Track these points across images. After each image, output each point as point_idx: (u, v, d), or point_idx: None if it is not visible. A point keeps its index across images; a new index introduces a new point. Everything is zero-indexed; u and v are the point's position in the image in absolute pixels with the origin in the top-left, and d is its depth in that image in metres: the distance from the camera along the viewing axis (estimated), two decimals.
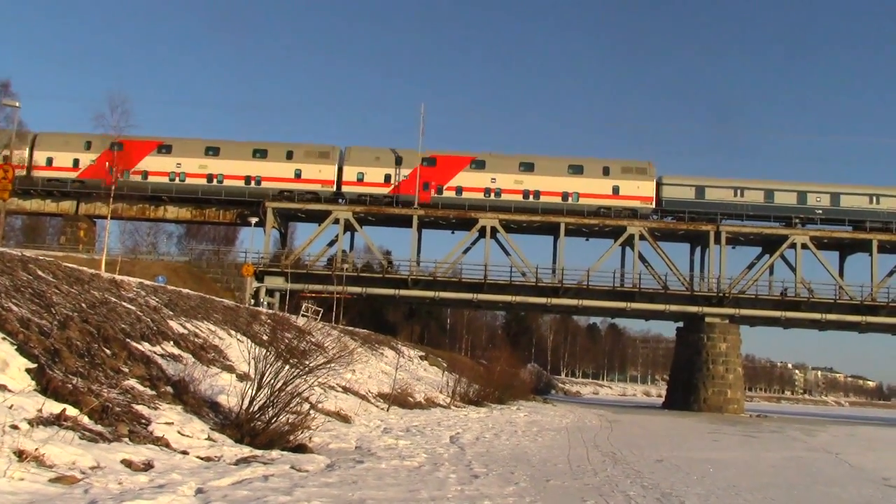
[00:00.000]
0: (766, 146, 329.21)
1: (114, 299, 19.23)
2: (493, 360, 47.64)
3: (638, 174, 59.72)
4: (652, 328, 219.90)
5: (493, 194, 59.30)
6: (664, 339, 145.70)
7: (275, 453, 12.85)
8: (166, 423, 12.32)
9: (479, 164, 60.13)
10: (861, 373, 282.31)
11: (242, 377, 17.34)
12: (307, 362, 15.70)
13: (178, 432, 12.31)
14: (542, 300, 60.01)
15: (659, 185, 59.79)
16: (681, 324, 62.52)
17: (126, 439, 10.72)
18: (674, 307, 59.13)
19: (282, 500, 9.01)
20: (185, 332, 20.27)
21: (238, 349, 20.24)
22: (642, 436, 27.80)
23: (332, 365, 16.50)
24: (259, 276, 56.88)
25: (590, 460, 17.49)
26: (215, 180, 59.14)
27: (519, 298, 60.12)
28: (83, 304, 16.71)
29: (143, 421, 12.01)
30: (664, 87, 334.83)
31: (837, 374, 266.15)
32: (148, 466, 9.94)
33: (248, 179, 59.42)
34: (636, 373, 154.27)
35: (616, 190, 59.20)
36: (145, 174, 57.69)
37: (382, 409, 25.74)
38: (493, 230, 59.12)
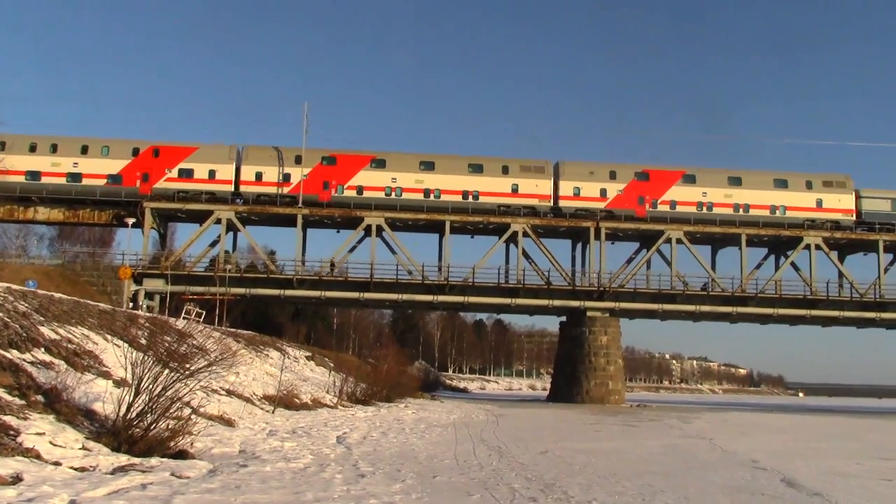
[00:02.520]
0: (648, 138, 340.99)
1: None
2: (381, 359, 47.57)
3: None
4: (536, 323, 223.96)
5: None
6: (548, 334, 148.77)
7: (154, 461, 12.48)
8: (37, 434, 11.80)
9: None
10: (733, 361, 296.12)
11: (119, 383, 16.77)
12: (188, 366, 15.31)
13: (50, 442, 11.81)
14: (429, 298, 60.31)
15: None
16: (564, 318, 63.91)
17: None
18: (557, 302, 60.42)
19: None
20: (58, 337, 19.41)
21: (115, 354, 19.52)
22: (527, 429, 28.30)
23: (214, 368, 16.16)
24: (137, 279, 55.02)
25: (476, 455, 17.70)
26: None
27: (406, 296, 60.22)
28: None
29: (12, 432, 11.47)
30: (563, 83, 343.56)
31: (711, 363, 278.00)
32: (17, 479, 9.51)
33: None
34: (522, 367, 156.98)
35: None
36: None
37: (268, 411, 25.35)
38: (379, 229, 59.04)
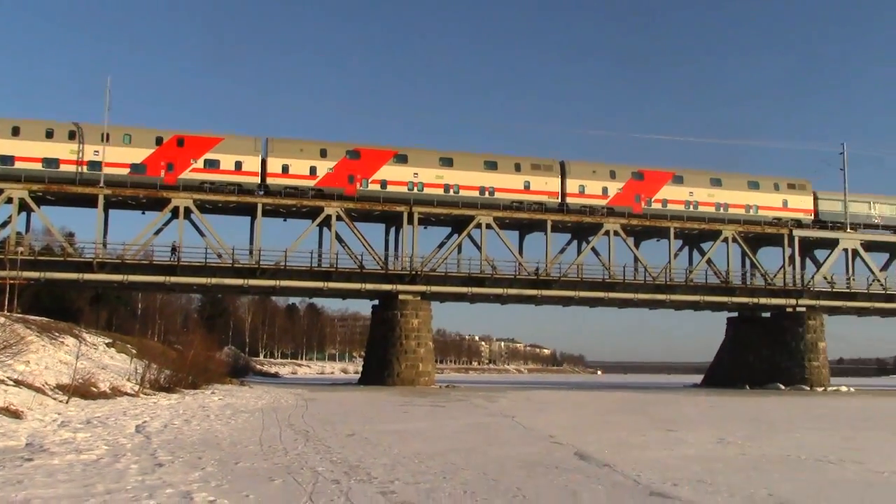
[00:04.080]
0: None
1: None
2: (187, 345, 45.96)
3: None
4: (350, 307, 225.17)
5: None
6: (362, 318, 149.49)
7: None
8: None
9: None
10: (538, 342, 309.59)
11: None
12: None
13: None
14: (240, 282, 58.90)
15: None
16: (376, 302, 64.27)
17: None
18: (369, 286, 60.67)
19: None
20: None
21: None
22: (337, 412, 28.32)
23: None
24: None
25: (282, 440, 17.54)
26: None
27: (215, 280, 58.47)
28: None
29: None
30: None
31: (518, 344, 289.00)
32: None
33: None
34: (335, 351, 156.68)
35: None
36: None
37: (61, 401, 23.93)
38: (188, 210, 57.01)
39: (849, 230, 68.86)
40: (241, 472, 12.33)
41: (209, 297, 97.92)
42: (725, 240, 66.53)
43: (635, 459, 15.01)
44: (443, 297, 64.90)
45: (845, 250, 69.08)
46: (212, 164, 57.74)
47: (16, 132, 55.07)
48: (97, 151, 55.90)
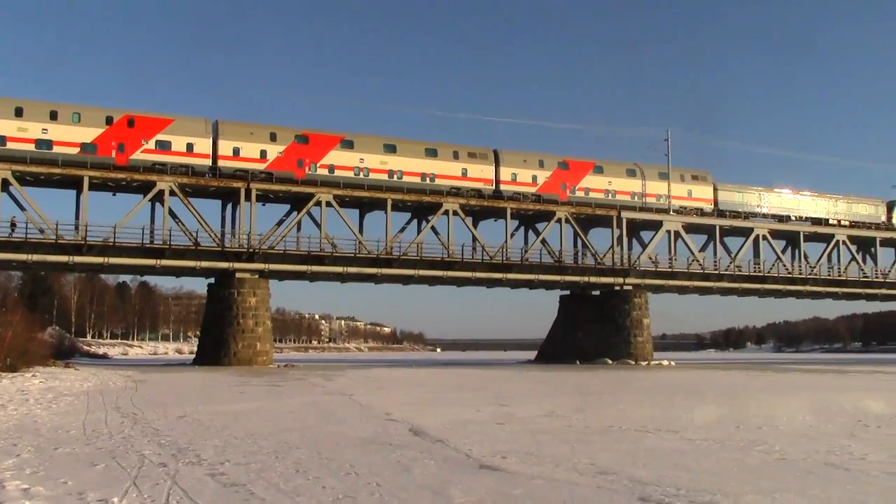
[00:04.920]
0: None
1: None
2: (5, 325, 43.25)
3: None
4: (185, 285, 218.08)
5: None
6: (197, 296, 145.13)
7: None
8: None
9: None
10: (379, 320, 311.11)
11: None
12: None
13: None
14: (64, 258, 55.83)
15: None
16: (212, 280, 62.60)
17: None
18: (205, 263, 58.96)
19: None
20: None
21: None
22: (168, 394, 27.47)
23: None
24: None
25: (107, 423, 16.86)
26: None
27: (37, 257, 55.17)
28: None
29: None
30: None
31: (359, 323, 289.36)
32: None
33: None
34: (169, 331, 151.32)
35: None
36: None
37: None
38: (6, 183, 53.47)
39: (671, 213, 72.99)
40: (61, 457, 11.77)
41: (31, 275, 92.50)
42: (559, 220, 68.95)
43: (468, 434, 15.38)
44: (282, 276, 64.00)
45: (668, 232, 73.14)
46: (163, 146, 57.35)
47: None
48: (45, 129, 54.08)
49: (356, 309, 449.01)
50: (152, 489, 9.42)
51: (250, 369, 52.07)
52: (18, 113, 53.96)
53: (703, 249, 76.28)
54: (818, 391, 31.90)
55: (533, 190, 68.23)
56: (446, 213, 65.04)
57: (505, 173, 67.52)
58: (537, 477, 10.53)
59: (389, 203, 63.53)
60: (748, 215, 77.35)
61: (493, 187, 66.95)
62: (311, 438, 14.61)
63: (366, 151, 62.87)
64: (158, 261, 57.78)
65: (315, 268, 61.98)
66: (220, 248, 59.06)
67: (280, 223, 63.77)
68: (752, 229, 76.44)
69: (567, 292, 77.09)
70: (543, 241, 70.14)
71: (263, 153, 59.88)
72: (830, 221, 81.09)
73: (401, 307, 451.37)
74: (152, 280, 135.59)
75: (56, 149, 54.32)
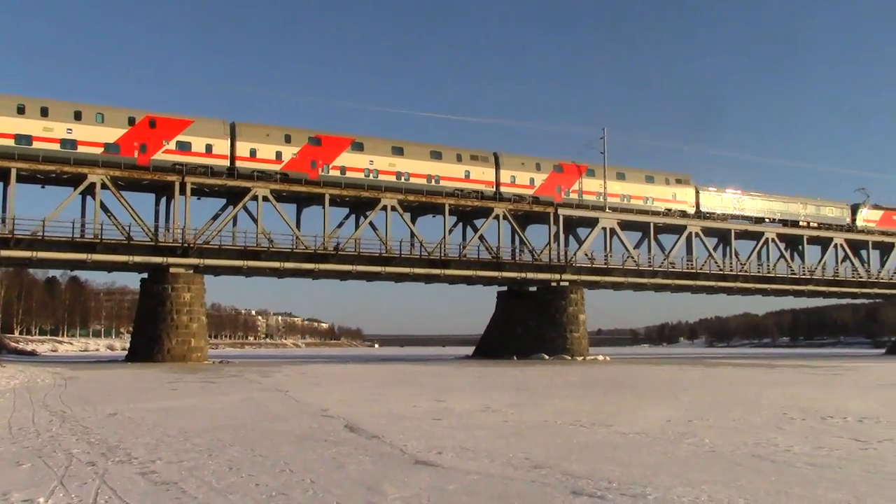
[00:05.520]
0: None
1: None
2: None
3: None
4: (117, 280, 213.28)
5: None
6: (130, 291, 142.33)
7: None
8: None
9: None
10: (316, 316, 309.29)
11: None
12: None
13: None
14: None
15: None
16: (146, 275, 61.40)
17: None
18: (138, 258, 57.80)
19: None
20: None
21: None
22: (99, 391, 26.90)
23: None
24: None
25: (35, 422, 16.47)
26: None
27: None
28: None
29: None
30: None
31: (296, 318, 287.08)
32: None
33: None
34: (101, 327, 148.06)
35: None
36: None
37: None
38: None
39: (607, 210, 74.03)
40: None
41: None
42: (497, 217, 69.37)
43: (404, 430, 15.41)
44: (217, 271, 63.15)
45: (604, 229, 74.15)
46: (184, 147, 58.42)
47: None
48: (70, 129, 54.54)
49: (293, 305, 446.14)
50: (80, 489, 9.23)
51: (184, 366, 51.27)
52: (44, 113, 54.26)
53: (637, 246, 77.52)
54: (747, 385, 32.70)
55: (531, 192, 71.01)
56: (384, 208, 64.89)
57: (504, 175, 70.01)
58: (472, 472, 10.60)
59: (327, 198, 63.12)
60: (727, 217, 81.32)
61: (494, 189, 69.43)
62: (246, 436, 14.48)
63: (375, 154, 64.73)
64: (89, 255, 56.49)
65: (251, 263, 61.27)
66: (153, 243, 57.95)
67: (216, 218, 62.89)
68: (685, 227, 77.96)
69: (505, 288, 77.59)
70: (481, 238, 70.55)
71: (279, 154, 61.26)
72: (800, 223, 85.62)
73: (339, 303, 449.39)
74: (83, 275, 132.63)
75: (80, 149, 55.06)
